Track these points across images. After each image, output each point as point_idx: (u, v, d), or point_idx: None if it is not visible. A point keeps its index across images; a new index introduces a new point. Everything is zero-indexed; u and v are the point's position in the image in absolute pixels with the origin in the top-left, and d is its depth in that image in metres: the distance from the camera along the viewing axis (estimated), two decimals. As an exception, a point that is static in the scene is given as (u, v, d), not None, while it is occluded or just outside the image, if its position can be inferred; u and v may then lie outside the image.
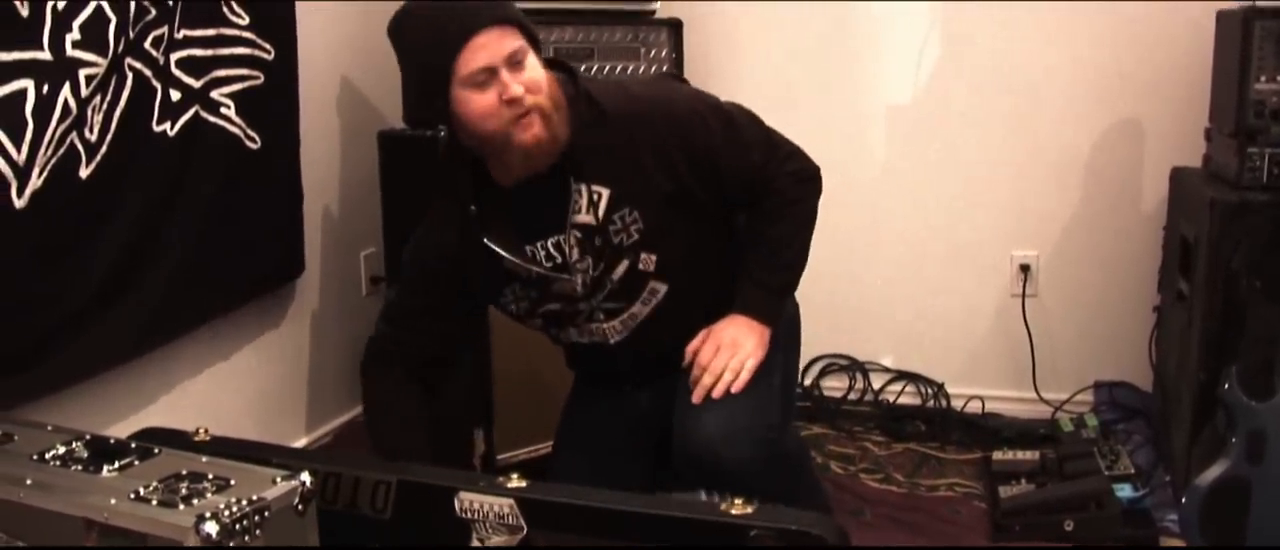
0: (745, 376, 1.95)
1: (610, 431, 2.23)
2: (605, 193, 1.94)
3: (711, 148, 1.97)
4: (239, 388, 2.79)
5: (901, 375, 3.45)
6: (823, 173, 2.12)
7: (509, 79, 1.82)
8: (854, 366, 3.49)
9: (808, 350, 3.46)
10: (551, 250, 1.99)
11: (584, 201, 1.94)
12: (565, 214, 1.95)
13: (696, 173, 1.97)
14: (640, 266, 1.99)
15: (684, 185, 1.97)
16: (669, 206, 1.97)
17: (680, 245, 2.01)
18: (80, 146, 2.07)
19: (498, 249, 1.97)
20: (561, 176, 1.93)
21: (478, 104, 1.83)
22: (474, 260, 2.00)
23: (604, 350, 2.11)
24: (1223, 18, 2.68)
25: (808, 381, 3.49)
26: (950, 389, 3.38)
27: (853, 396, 3.46)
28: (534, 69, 1.86)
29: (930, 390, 3.40)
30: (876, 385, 3.47)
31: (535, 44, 1.89)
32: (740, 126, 2.03)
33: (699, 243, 2.05)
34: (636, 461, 2.20)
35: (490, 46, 1.81)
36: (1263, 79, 2.48)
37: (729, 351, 1.96)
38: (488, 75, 1.82)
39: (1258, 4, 2.51)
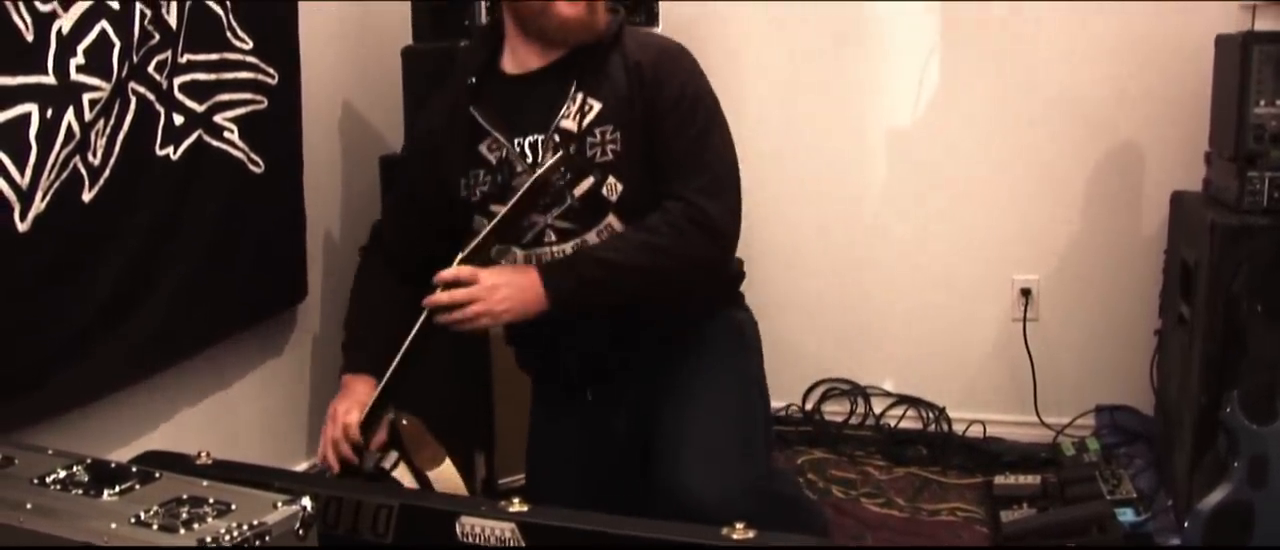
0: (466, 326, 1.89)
1: (582, 459, 2.19)
2: (597, 106, 1.97)
3: (670, 123, 1.97)
4: (241, 411, 2.78)
5: (903, 399, 3.45)
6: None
7: None
8: (855, 391, 3.48)
9: (809, 374, 3.49)
10: (527, 149, 2.01)
11: (575, 107, 1.97)
12: (553, 116, 1.98)
13: (645, 127, 1.97)
14: (603, 192, 1.96)
15: (644, 129, 1.97)
16: (643, 149, 1.97)
17: (647, 189, 1.97)
18: (83, 170, 2.08)
19: (479, 118, 2.01)
20: (564, 78, 1.98)
21: None
22: (454, 131, 2.04)
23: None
24: (1222, 42, 2.70)
25: (809, 406, 3.49)
26: (951, 413, 3.37)
27: (854, 421, 3.46)
28: None
29: (931, 414, 3.40)
30: (877, 409, 3.46)
31: None
32: (708, 140, 2.00)
33: None
34: (615, 489, 2.14)
35: None
36: (1262, 103, 2.49)
37: (481, 302, 1.87)
38: None
39: (1256, 28, 2.52)
